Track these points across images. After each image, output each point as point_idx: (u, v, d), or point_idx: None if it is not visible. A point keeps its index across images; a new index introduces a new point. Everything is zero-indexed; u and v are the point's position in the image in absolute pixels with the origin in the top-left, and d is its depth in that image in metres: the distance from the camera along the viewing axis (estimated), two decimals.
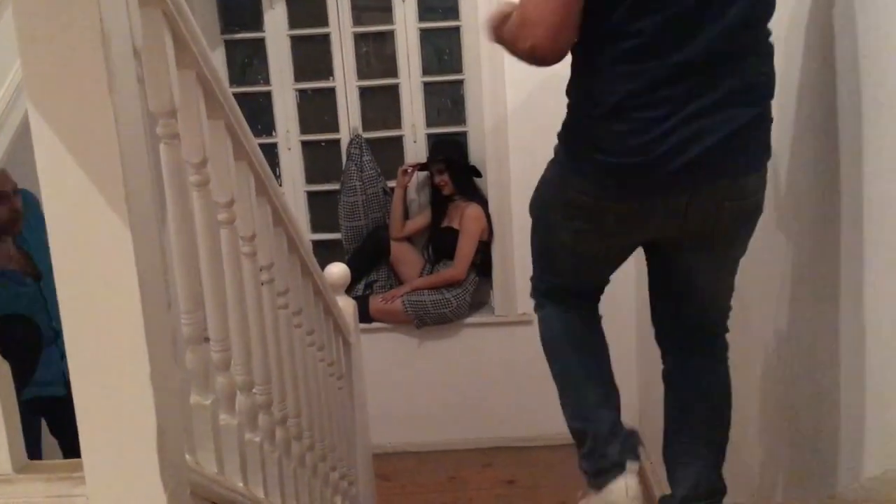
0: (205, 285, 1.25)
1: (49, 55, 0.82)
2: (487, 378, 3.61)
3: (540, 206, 1.60)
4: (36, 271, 2.30)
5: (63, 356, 2.48)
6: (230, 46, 3.54)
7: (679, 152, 1.28)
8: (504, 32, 1.36)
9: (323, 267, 2.44)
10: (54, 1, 0.81)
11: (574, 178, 1.44)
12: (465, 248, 3.45)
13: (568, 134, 1.47)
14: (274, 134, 3.61)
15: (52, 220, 0.86)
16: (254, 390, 1.45)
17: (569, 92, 1.46)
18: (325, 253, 3.67)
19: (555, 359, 1.69)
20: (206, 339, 1.27)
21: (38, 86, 0.83)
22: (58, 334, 2.41)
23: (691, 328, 1.61)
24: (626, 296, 3.39)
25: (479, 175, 3.52)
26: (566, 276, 1.64)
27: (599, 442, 1.56)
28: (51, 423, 2.40)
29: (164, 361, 0.93)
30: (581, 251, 1.53)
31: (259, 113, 3.56)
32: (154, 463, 0.91)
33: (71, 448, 2.39)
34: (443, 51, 3.59)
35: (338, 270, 2.36)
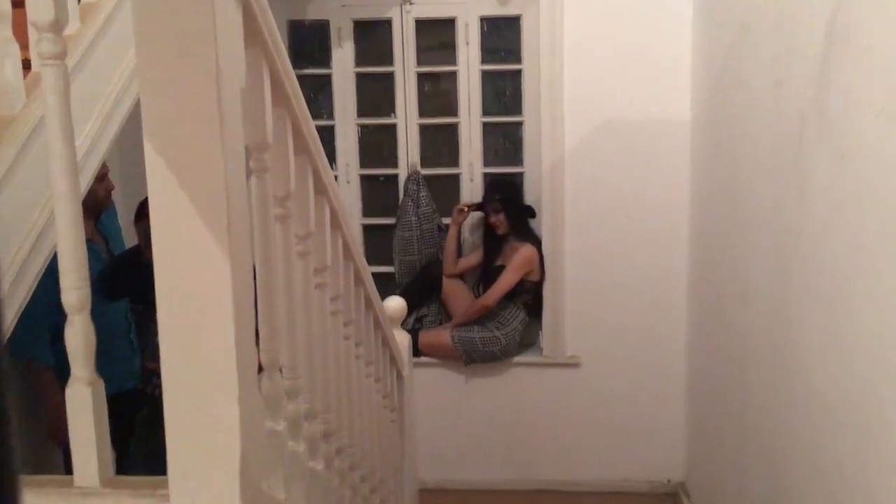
0: (280, 315, 1.29)
1: (167, 96, 0.88)
2: (533, 419, 3.60)
3: None
4: (110, 255, 2.45)
5: (134, 349, 2.57)
6: (298, 81, 3.64)
7: None
8: None
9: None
10: (176, 46, 0.87)
11: None
12: (504, 280, 3.44)
13: None
14: (334, 167, 3.69)
15: (158, 245, 0.90)
16: (317, 419, 1.48)
17: None
18: (379, 285, 3.69)
19: None
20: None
21: (156, 124, 0.89)
22: (130, 326, 2.50)
23: None
24: (676, 342, 3.37)
25: (533, 216, 3.55)
26: None
27: None
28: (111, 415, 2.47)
29: (250, 388, 0.96)
30: None
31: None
32: (235, 486, 0.94)
33: (123, 442, 2.46)
34: (503, 92, 3.65)
35: (395, 304, 2.40)
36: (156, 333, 0.92)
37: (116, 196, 2.64)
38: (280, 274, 1.29)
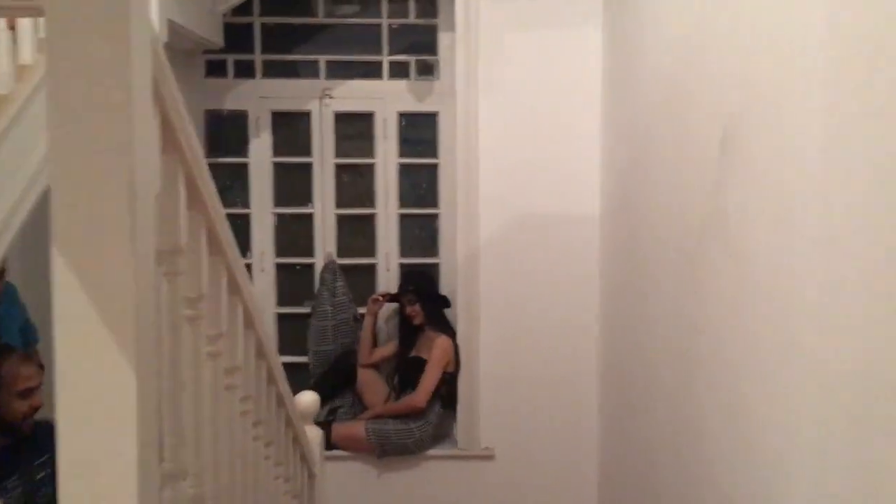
0: (188, 421, 1.25)
1: (79, 198, 0.86)
2: None
3: None
4: None
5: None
6: (214, 169, 3.60)
7: None
8: None
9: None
10: (91, 153, 0.86)
11: None
12: (429, 378, 3.45)
13: None
14: (249, 255, 3.65)
15: (62, 353, 0.87)
16: None
17: None
18: (292, 376, 3.61)
19: None
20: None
21: (65, 226, 0.87)
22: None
23: None
24: (589, 434, 3.41)
25: (448, 306, 3.58)
26: None
27: None
28: None
29: (150, 501, 0.92)
30: None
31: (236, 234, 3.59)
32: None
33: None
34: (419, 184, 3.73)
35: (308, 399, 2.35)
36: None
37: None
38: (189, 377, 1.26)
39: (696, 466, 2.12)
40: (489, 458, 3.52)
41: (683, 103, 2.26)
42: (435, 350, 3.46)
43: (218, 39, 3.42)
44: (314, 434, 2.38)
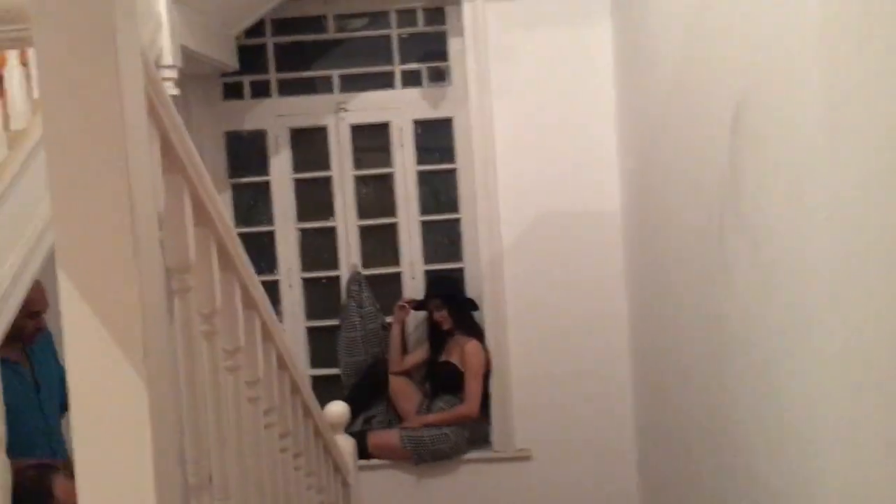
0: (210, 433, 1.28)
1: (79, 222, 0.89)
2: None
3: None
4: (35, 380, 2.35)
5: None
6: (237, 189, 3.69)
7: None
8: None
9: (323, 403, 2.45)
10: (89, 177, 0.89)
11: None
12: (474, 386, 3.47)
13: None
14: (276, 272, 3.70)
15: (73, 374, 0.90)
16: None
17: None
18: (325, 388, 3.67)
19: None
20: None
21: (68, 250, 0.90)
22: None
23: None
24: (625, 427, 3.39)
25: (476, 308, 3.59)
26: None
27: None
28: None
29: None
30: None
31: (262, 252, 3.66)
32: None
33: None
34: (439, 190, 3.75)
35: (337, 409, 2.37)
36: None
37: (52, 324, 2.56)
38: (208, 390, 1.28)
39: (732, 455, 2.10)
40: (526, 458, 3.51)
41: (694, 91, 2.25)
42: (469, 357, 3.47)
43: (233, 62, 3.48)
44: (346, 444, 2.40)
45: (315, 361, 3.78)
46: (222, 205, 1.29)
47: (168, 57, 2.64)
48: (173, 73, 2.68)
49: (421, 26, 3.66)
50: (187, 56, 2.89)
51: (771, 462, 1.80)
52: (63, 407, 2.39)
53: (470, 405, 3.47)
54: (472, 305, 3.59)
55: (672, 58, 2.46)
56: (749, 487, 1.96)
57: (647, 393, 3.14)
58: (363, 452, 3.40)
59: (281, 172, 3.69)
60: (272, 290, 3.67)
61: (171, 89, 2.67)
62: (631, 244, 3.30)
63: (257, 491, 1.48)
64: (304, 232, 3.74)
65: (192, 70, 3.27)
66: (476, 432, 3.57)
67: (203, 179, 1.19)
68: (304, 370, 3.70)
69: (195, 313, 1.23)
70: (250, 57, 3.61)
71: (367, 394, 3.63)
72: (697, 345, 2.36)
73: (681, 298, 2.52)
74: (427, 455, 3.47)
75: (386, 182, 3.73)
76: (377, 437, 3.52)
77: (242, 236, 3.80)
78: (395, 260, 3.73)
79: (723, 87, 1.98)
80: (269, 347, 1.58)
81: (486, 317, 3.52)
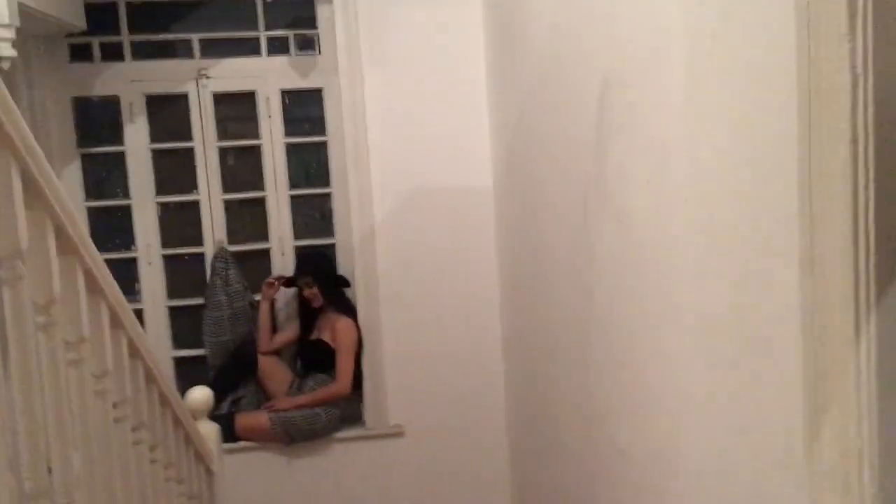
0: (49, 433, 1.16)
1: None
2: (361, 494, 3.51)
3: None
4: None
5: None
6: (87, 160, 3.42)
7: None
8: None
9: (188, 385, 2.34)
10: None
11: None
12: (345, 363, 3.41)
13: None
14: (134, 248, 3.47)
15: None
16: None
17: None
18: (190, 370, 3.51)
19: None
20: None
21: None
22: None
23: None
24: (496, 405, 3.44)
25: (348, 285, 3.52)
26: None
27: None
28: None
29: None
30: None
31: (117, 227, 3.42)
32: None
33: None
34: (309, 164, 3.63)
35: (199, 395, 2.26)
36: None
37: None
38: (46, 387, 1.17)
39: (596, 427, 2.16)
40: (399, 435, 3.51)
41: (565, 66, 2.26)
42: (341, 335, 3.41)
43: (80, 22, 3.20)
44: (209, 430, 2.30)
45: (179, 342, 3.60)
46: (58, 182, 1.17)
47: (4, 15, 2.39)
48: (10, 33, 2.43)
49: None
50: (26, 14, 2.62)
51: (631, 434, 1.86)
52: None
53: (341, 383, 3.41)
54: (344, 282, 3.52)
55: (542, 32, 2.46)
56: (613, 458, 2.02)
57: (519, 369, 3.20)
58: (231, 435, 3.28)
59: (136, 142, 3.45)
60: (129, 267, 3.45)
61: (8, 50, 2.43)
62: (503, 221, 3.32)
63: (106, 490, 1.38)
64: (164, 206, 3.53)
65: (33, 30, 2.99)
66: (348, 410, 3.52)
67: (36, 157, 1.06)
68: (167, 353, 3.52)
69: (29, 303, 1.11)
70: (100, 16, 3.33)
71: (235, 375, 3.50)
72: (567, 321, 2.40)
73: (552, 275, 2.56)
74: (298, 435, 3.40)
75: (253, 154, 3.57)
76: (245, 419, 3.41)
77: (95, 210, 3.55)
78: (263, 235, 3.59)
79: (591, 64, 1.99)
80: (118, 335, 1.47)
81: (358, 294, 3.47)
